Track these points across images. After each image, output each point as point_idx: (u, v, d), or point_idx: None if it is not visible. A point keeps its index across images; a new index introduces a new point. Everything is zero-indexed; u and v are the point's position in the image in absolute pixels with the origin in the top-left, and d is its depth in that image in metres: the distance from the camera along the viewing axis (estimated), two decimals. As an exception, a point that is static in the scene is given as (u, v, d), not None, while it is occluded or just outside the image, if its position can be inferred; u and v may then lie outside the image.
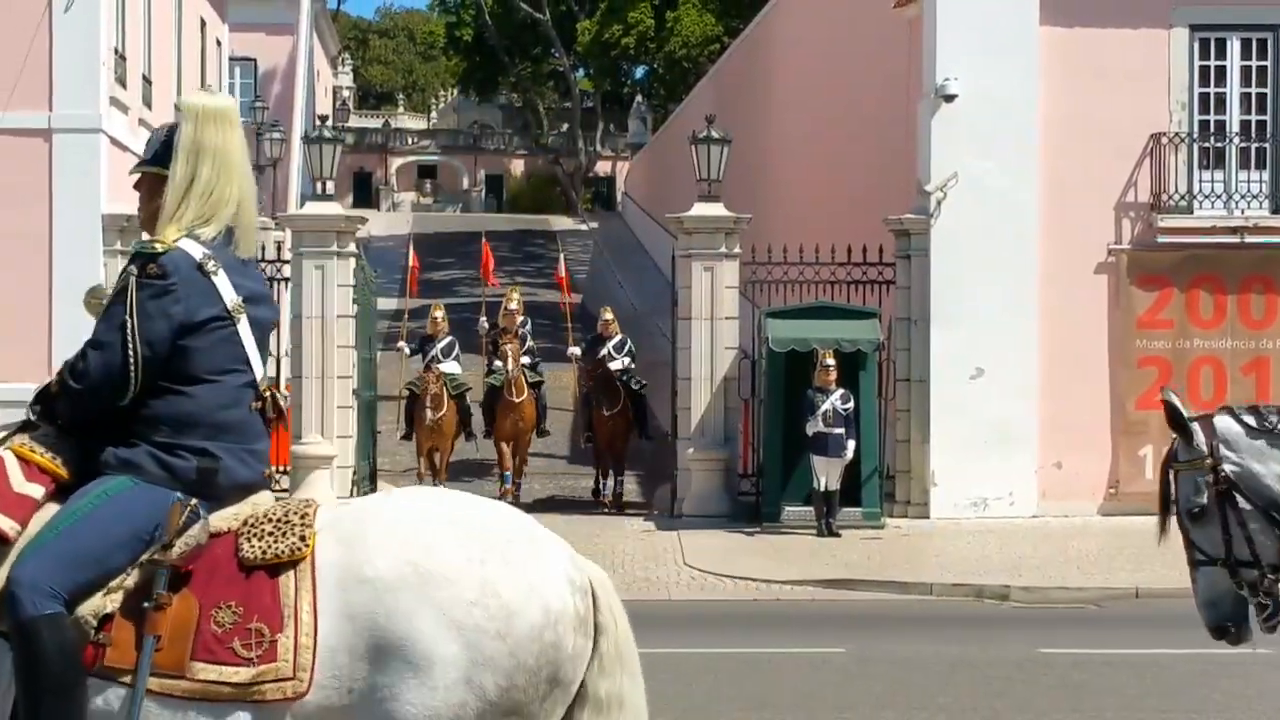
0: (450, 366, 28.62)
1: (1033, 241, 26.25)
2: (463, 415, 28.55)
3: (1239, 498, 6.81)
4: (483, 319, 30.37)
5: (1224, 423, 6.96)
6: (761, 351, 26.17)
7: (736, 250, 26.92)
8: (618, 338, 28.28)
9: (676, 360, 27.16)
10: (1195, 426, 6.92)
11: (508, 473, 28.10)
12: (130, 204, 26.84)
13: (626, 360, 28.07)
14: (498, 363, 28.10)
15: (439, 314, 29.40)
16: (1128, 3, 26.57)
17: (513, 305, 28.75)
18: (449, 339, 28.99)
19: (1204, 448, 6.87)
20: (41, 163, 26.00)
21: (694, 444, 26.57)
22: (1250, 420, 6.96)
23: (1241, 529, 6.78)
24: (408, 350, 30.29)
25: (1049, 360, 26.23)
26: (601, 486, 28.48)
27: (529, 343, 28.81)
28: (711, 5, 70.51)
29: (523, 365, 27.76)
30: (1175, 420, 6.94)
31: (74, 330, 25.51)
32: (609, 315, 29.02)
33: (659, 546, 24.21)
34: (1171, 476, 7.03)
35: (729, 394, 26.71)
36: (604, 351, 28.04)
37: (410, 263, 36.28)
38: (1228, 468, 6.82)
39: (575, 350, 30.66)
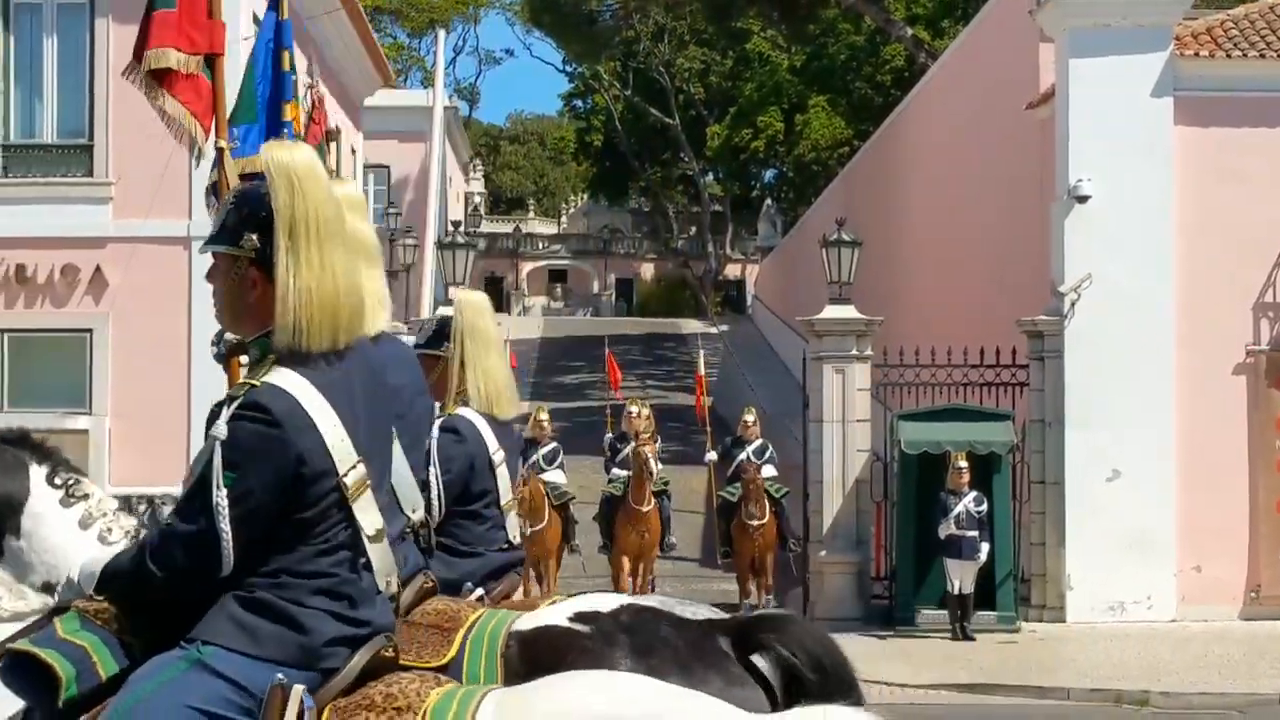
0: (554, 475, 26.49)
1: (1168, 343, 25.97)
2: (566, 526, 26.28)
3: None
4: (608, 435, 28.21)
5: None
6: (894, 454, 26.01)
7: (868, 352, 26.83)
8: (758, 442, 27.01)
9: (808, 463, 27.03)
10: None
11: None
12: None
13: (770, 469, 26.58)
14: (616, 470, 26.47)
15: (543, 416, 27.56)
16: (1262, 103, 26.35)
17: (634, 409, 26.77)
18: (553, 444, 27.06)
19: None
20: (181, 269, 26.38)
21: (826, 547, 26.41)
22: None
23: None
24: None
25: (1186, 462, 25.87)
26: (746, 607, 25.60)
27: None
28: (840, 108, 70.69)
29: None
30: None
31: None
32: (750, 417, 27.60)
33: (792, 651, 23.98)
34: None
35: (861, 497, 26.55)
36: (743, 457, 26.58)
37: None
38: None
39: (713, 455, 28.57)
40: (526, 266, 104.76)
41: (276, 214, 4.56)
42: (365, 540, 4.69)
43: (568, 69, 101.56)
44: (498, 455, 7.39)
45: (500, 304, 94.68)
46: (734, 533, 25.89)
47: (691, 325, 79.46)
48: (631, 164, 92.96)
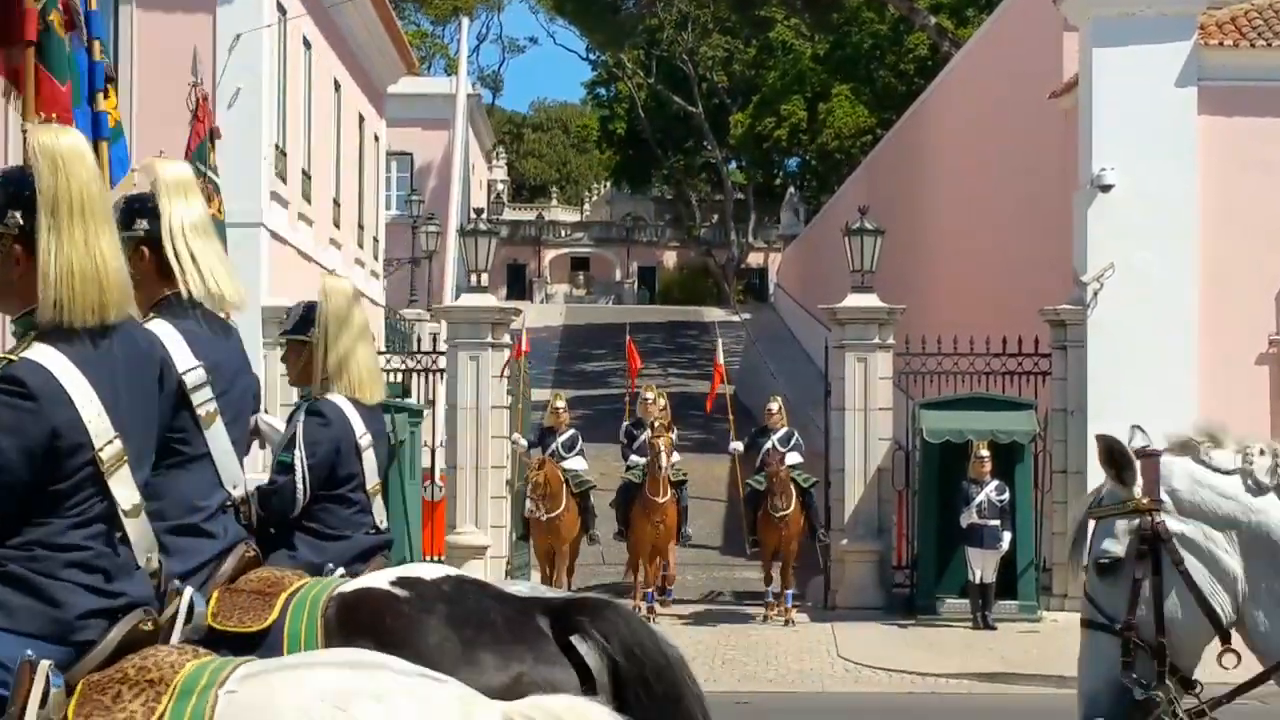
0: (573, 463, 26.33)
1: (1191, 332, 25.93)
2: (585, 514, 26.14)
3: (1171, 559, 5.61)
4: (625, 422, 27.75)
5: (1180, 465, 5.72)
6: (915, 443, 26.00)
7: (890, 341, 26.83)
8: (784, 430, 26.38)
9: (830, 451, 27.05)
10: (1138, 464, 5.72)
11: (650, 591, 25.64)
12: (291, 297, 27.20)
13: (795, 456, 26.00)
14: (635, 457, 26.04)
15: (560, 404, 27.42)
16: (1287, 91, 26.34)
17: (650, 396, 26.81)
18: (571, 432, 26.90)
19: (1139, 490, 5.68)
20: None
21: (848, 535, 26.42)
22: (1221, 459, 5.70)
23: (1157, 599, 5.62)
24: (524, 444, 27.32)
25: (1209, 452, 25.80)
26: (770, 596, 26.12)
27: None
28: (864, 97, 70.63)
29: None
30: (1112, 456, 5.75)
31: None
32: (776, 405, 26.80)
33: (812, 639, 24.06)
34: (1091, 526, 5.85)
35: (883, 485, 26.56)
36: (769, 445, 26.07)
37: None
38: (1169, 522, 5.62)
39: (738, 445, 27.34)
40: (549, 254, 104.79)
41: (40, 193, 4.56)
42: (122, 515, 4.66)
43: (591, 57, 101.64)
44: (364, 439, 7.43)
45: (523, 292, 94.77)
46: (760, 523, 25.63)
47: (714, 313, 79.48)
48: (654, 152, 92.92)
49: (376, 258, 39.52)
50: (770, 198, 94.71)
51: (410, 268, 46.15)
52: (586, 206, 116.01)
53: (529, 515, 25.50)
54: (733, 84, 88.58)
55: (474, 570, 26.33)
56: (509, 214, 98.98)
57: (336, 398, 7.44)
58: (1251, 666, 5.64)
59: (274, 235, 27.78)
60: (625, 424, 27.56)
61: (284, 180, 28.96)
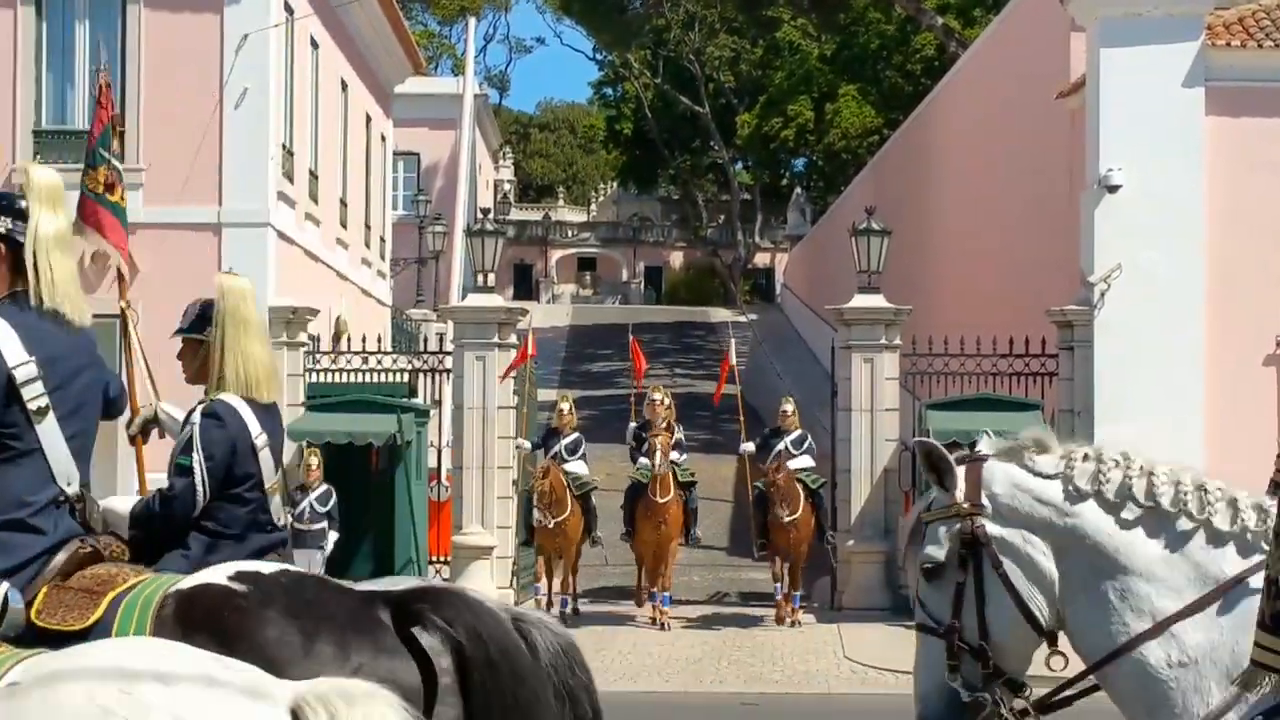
0: (576, 466, 26.01)
1: (1198, 333, 25.89)
2: (588, 516, 25.87)
3: (990, 563, 5.63)
4: (631, 424, 27.34)
5: (1002, 470, 5.76)
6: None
7: (897, 341, 26.83)
8: (797, 432, 26.03)
9: (836, 452, 27.04)
10: (959, 470, 5.75)
11: (659, 592, 25.43)
12: (298, 297, 27.13)
13: (807, 459, 25.80)
14: (643, 459, 25.60)
15: (565, 406, 26.95)
16: (1294, 92, 26.31)
17: (657, 396, 26.16)
18: (575, 435, 26.48)
19: (960, 495, 5.70)
20: (211, 256, 26.46)
21: (854, 536, 26.41)
22: (1044, 464, 5.75)
23: (979, 602, 5.62)
24: (528, 446, 27.13)
25: (1216, 452, 25.73)
26: (779, 594, 25.87)
27: (677, 435, 25.82)
28: (871, 97, 70.59)
29: (672, 461, 25.02)
30: (930, 462, 5.78)
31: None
32: (789, 407, 26.45)
33: (819, 639, 24.06)
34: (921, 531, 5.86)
35: (889, 486, 26.54)
36: (781, 447, 25.67)
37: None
38: (989, 526, 5.65)
39: (749, 446, 27.05)
40: (556, 254, 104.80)
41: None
42: None
43: (598, 57, 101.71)
44: (260, 439, 7.46)
45: (530, 292, 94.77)
46: (770, 526, 25.34)
47: (720, 314, 79.52)
48: (661, 152, 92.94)
49: (383, 258, 39.54)
50: (777, 198, 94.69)
51: (417, 268, 46.16)
52: (593, 207, 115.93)
53: (537, 524, 25.31)
54: (739, 84, 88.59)
55: (481, 571, 26.44)
56: (515, 214, 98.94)
57: (231, 398, 7.46)
58: (1080, 668, 5.69)
59: (281, 235, 27.80)
60: (632, 426, 27.27)
61: (291, 180, 28.97)
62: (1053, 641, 5.70)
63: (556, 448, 26.11)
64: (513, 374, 26.97)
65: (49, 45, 27.18)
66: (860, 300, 27.03)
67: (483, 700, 5.71)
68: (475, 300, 28.18)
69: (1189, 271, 25.83)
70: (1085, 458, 5.77)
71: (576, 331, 71.13)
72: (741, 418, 28.27)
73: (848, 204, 54.78)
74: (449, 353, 28.42)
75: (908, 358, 26.93)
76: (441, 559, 27.61)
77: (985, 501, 5.69)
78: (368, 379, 27.86)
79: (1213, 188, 25.99)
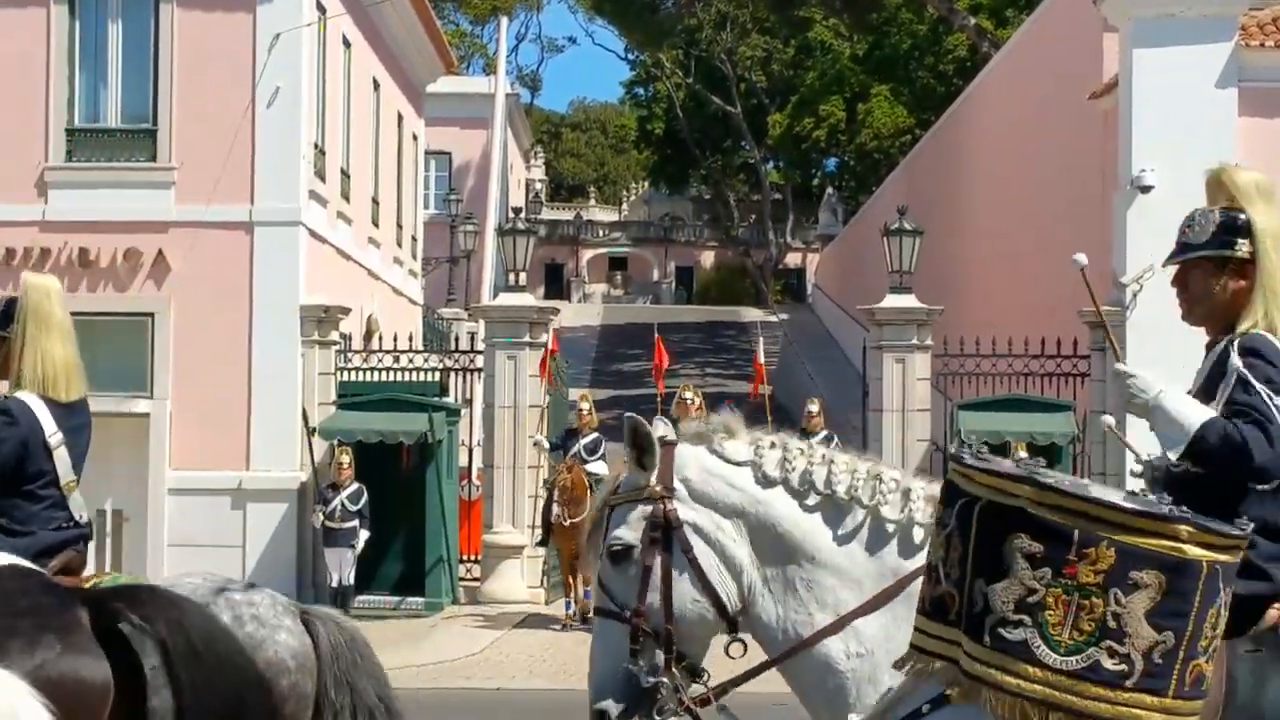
0: (596, 466, 25.12)
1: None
2: None
3: (681, 546, 5.63)
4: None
5: (693, 454, 5.78)
6: (954, 444, 25.92)
7: (928, 342, 26.78)
8: (823, 433, 24.67)
9: (867, 452, 26.89)
10: (659, 451, 5.74)
11: None
12: (330, 295, 27.05)
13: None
14: None
15: (585, 406, 26.19)
16: (1329, 92, 26.21)
17: (688, 395, 25.26)
18: (595, 435, 25.68)
19: (653, 478, 5.70)
20: (243, 255, 26.53)
21: (885, 537, 26.33)
22: (734, 451, 5.78)
23: (665, 585, 5.61)
24: (546, 445, 26.74)
25: (1248, 455, 25.69)
26: None
27: None
28: (903, 97, 70.50)
29: None
30: (635, 438, 5.76)
31: (273, 420, 26.04)
32: (815, 407, 26.19)
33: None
34: (607, 514, 5.84)
35: (920, 487, 26.44)
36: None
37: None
38: (680, 510, 5.65)
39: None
40: (587, 254, 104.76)
41: None
42: None
43: (630, 57, 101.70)
44: (54, 437, 7.47)
45: (561, 291, 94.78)
46: None
47: (751, 313, 79.40)
48: (692, 152, 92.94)
49: (415, 257, 39.57)
50: (808, 198, 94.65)
51: (448, 267, 46.20)
52: (624, 206, 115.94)
53: (555, 521, 24.92)
54: (771, 84, 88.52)
55: (511, 570, 26.45)
56: (547, 213, 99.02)
57: (27, 395, 7.48)
58: (758, 656, 5.74)
59: (313, 234, 27.83)
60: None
61: (323, 179, 29.01)
62: (734, 628, 5.74)
63: (575, 448, 25.56)
64: (550, 368, 26.91)
65: (82, 44, 27.24)
66: (892, 300, 26.99)
67: (189, 687, 5.85)
68: (506, 299, 28.18)
69: (1222, 272, 25.70)
70: (772, 445, 5.83)
71: (607, 331, 71.09)
72: (770, 418, 27.98)
73: (879, 204, 54.70)
74: (480, 352, 28.45)
75: (939, 358, 26.89)
76: (472, 558, 27.64)
77: (678, 485, 5.69)
78: (399, 378, 27.88)
79: (1246, 189, 25.87)
